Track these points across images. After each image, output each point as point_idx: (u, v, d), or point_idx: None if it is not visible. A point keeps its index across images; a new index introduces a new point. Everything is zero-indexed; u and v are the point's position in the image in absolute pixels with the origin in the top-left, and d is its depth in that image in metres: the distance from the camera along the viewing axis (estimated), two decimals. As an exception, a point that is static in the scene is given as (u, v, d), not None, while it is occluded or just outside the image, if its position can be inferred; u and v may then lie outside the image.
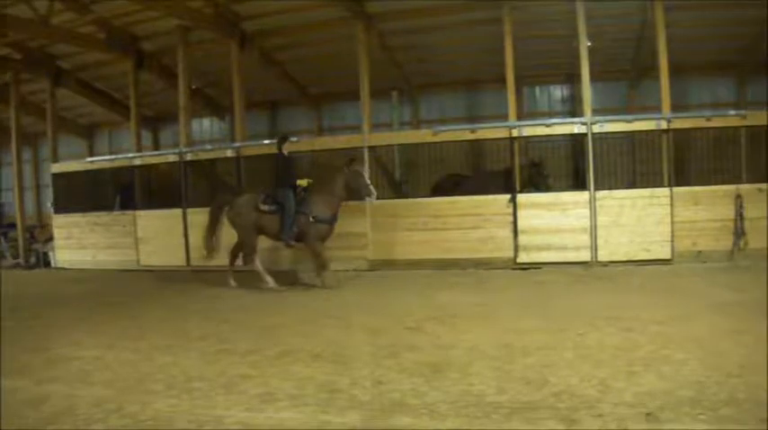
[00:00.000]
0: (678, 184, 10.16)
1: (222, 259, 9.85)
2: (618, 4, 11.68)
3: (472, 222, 10.69)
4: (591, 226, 10.16)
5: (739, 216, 9.79)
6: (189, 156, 12.57)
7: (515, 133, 10.78)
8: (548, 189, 11.23)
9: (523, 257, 10.40)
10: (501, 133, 10.99)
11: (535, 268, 10.02)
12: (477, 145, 12.78)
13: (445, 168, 12.58)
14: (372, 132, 11.86)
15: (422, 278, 9.74)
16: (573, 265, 10.02)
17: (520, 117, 12.90)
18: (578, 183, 10.74)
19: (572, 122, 11.03)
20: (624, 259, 10.01)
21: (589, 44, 10.71)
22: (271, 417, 3.71)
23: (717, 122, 10.32)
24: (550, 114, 14.84)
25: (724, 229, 9.77)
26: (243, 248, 9.48)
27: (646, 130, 10.46)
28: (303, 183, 9.18)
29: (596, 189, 10.23)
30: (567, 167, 12.90)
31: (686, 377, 4.12)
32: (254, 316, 7.17)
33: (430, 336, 5.65)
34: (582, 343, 5.19)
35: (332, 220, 9.15)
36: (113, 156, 14.59)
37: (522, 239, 10.40)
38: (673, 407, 3.57)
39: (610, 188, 10.39)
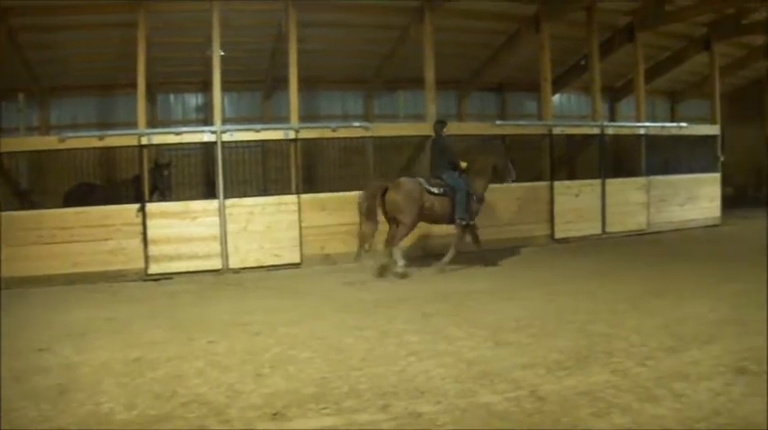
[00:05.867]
0: (307, 191, 10.74)
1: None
2: (253, 15, 11.92)
3: (102, 233, 9.96)
4: (221, 233, 10.16)
5: None
6: None
7: (145, 141, 10.38)
8: (169, 189, 11.19)
9: (155, 268, 9.95)
10: (130, 141, 10.47)
11: (167, 278, 9.64)
12: (110, 153, 11.92)
13: (77, 177, 11.50)
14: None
15: (52, 295, 8.75)
16: (205, 274, 9.89)
17: (154, 124, 12.44)
18: (210, 192, 10.64)
19: (202, 131, 10.93)
20: (255, 265, 10.20)
21: (222, 53, 10.73)
22: None
23: (343, 133, 11.19)
24: (184, 122, 14.49)
25: (350, 233, 10.51)
26: (401, 231, 9.08)
27: (275, 140, 10.90)
28: (464, 165, 9.44)
29: (226, 197, 10.26)
30: (199, 176, 12.73)
31: (311, 375, 4.31)
32: None
33: (59, 357, 5.18)
34: (212, 350, 5.15)
35: (483, 199, 9.69)
36: None
37: (153, 250, 9.96)
38: (299, 404, 3.72)
39: (240, 196, 10.54)
